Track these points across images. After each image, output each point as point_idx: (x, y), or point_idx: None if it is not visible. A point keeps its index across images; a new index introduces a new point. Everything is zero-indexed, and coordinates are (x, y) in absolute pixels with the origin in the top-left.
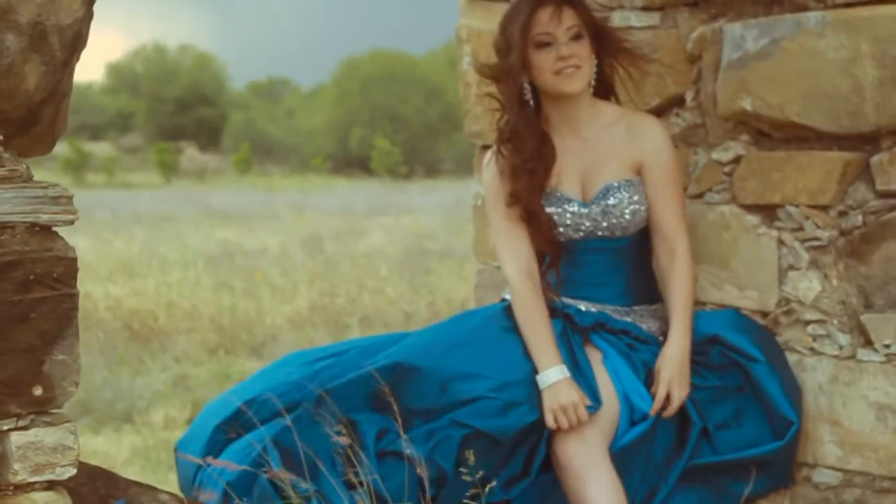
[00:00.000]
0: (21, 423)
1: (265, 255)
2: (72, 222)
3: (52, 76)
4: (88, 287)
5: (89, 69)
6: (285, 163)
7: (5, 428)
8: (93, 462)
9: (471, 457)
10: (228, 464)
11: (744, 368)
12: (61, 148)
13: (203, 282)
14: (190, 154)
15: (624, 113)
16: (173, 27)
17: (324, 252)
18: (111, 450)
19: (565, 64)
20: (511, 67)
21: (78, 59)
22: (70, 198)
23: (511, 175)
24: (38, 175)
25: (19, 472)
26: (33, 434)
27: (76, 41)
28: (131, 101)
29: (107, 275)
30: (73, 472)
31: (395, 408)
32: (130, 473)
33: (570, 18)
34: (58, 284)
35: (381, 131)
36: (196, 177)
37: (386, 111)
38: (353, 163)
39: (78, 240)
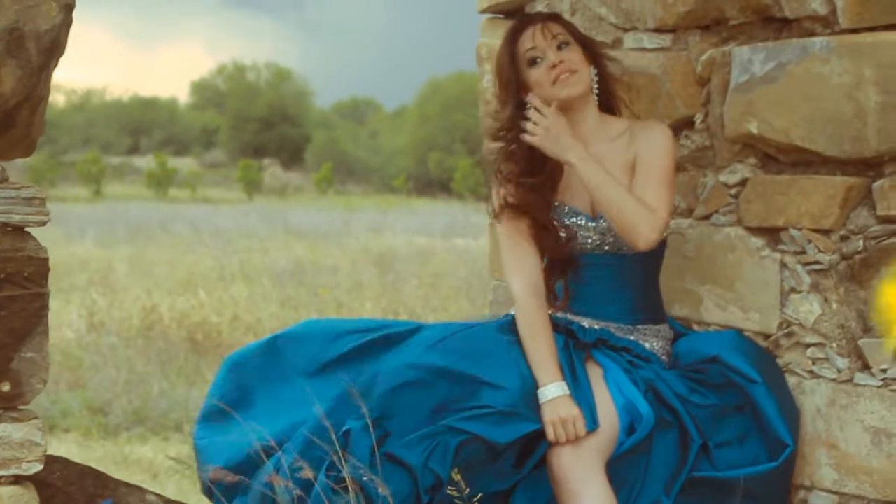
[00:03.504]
0: None
1: (336, 273)
2: (44, 223)
3: (27, 80)
4: (156, 299)
5: (174, 85)
6: (367, 182)
7: None
8: (134, 471)
9: (457, 476)
10: (229, 476)
11: (742, 389)
12: (146, 162)
13: (270, 296)
14: (273, 171)
15: (632, 123)
16: (260, 46)
17: (394, 271)
18: (156, 458)
19: (559, 70)
20: (511, 97)
21: (56, 64)
22: (43, 199)
23: (515, 190)
24: (122, 188)
25: None
26: (0, 429)
27: (54, 47)
28: (216, 118)
29: (176, 287)
30: (39, 467)
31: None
32: (170, 482)
33: (554, 30)
34: (28, 283)
35: (459, 153)
36: (277, 194)
37: (464, 133)
38: (433, 183)
39: (152, 252)
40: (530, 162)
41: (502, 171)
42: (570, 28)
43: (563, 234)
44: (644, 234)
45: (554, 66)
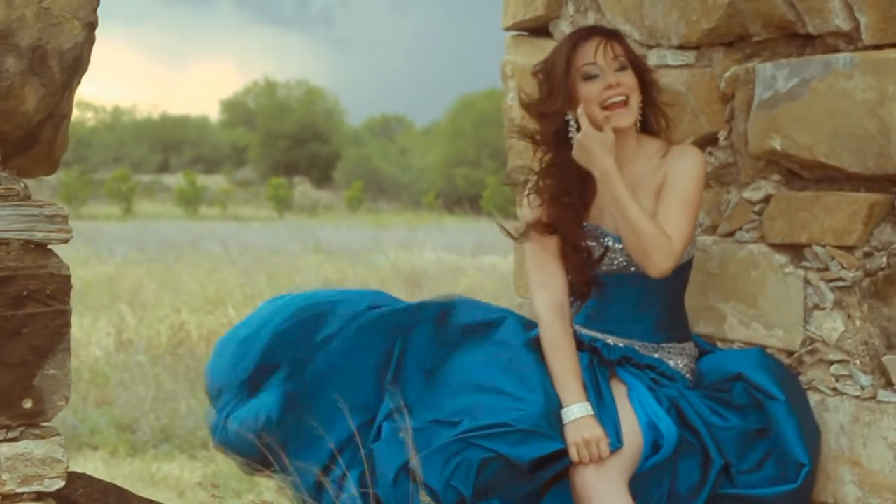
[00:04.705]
0: (10, 435)
1: None
2: (66, 240)
3: (51, 98)
4: (184, 316)
5: (204, 103)
6: (397, 200)
7: None
8: (161, 488)
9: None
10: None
11: (764, 408)
12: (176, 180)
13: None
14: (303, 189)
15: (667, 145)
16: (290, 63)
17: (422, 288)
18: (182, 476)
19: (613, 93)
20: (556, 104)
21: (79, 82)
22: (65, 217)
23: (549, 207)
24: (152, 206)
25: (7, 483)
26: (22, 446)
27: (76, 65)
28: (246, 135)
29: (204, 305)
30: (61, 484)
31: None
32: (195, 500)
33: (616, 49)
34: (51, 301)
35: (487, 170)
36: (308, 212)
37: (493, 150)
38: (463, 200)
39: (181, 270)
40: (569, 178)
41: (539, 185)
42: (628, 51)
43: (592, 254)
44: (657, 262)
45: (610, 87)
